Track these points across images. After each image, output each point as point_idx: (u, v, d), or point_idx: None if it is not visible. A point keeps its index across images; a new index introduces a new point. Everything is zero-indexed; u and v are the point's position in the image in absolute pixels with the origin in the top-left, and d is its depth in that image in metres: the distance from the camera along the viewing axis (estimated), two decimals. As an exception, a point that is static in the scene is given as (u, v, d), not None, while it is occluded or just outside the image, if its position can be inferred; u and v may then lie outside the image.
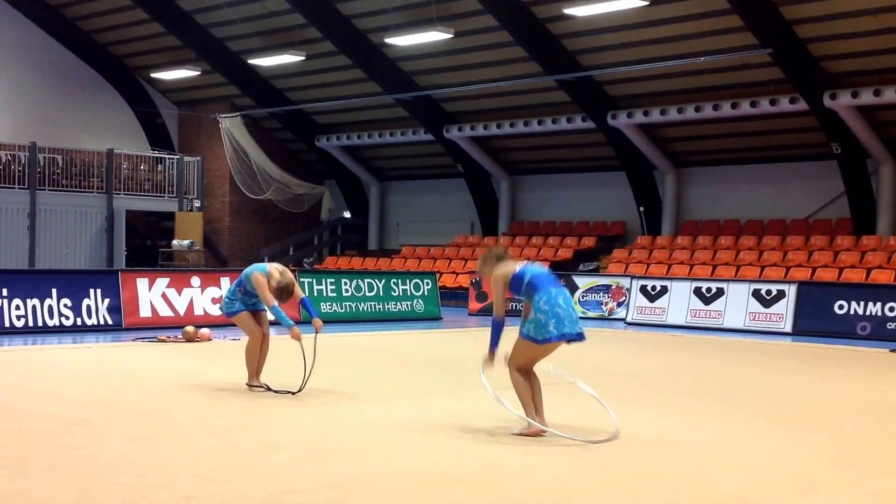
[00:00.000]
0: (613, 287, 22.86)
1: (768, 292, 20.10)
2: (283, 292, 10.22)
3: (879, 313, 18.67)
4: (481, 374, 8.16)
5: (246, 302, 10.53)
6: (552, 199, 30.91)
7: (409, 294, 21.94)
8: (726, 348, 16.80)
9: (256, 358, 10.52)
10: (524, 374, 8.11)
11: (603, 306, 22.83)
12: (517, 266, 8.17)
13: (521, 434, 7.96)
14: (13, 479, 6.18)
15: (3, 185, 28.24)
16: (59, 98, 32.82)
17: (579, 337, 8.11)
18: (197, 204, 31.82)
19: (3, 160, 28.63)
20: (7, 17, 31.77)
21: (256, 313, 10.62)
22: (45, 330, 16.51)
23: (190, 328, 15.87)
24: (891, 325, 18.52)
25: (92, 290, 17.22)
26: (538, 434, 7.92)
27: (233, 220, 34.11)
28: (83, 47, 33.30)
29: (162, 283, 18.20)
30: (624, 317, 22.03)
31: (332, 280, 20.89)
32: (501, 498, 6.02)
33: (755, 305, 20.15)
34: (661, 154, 27.79)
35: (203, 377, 11.31)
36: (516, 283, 8.07)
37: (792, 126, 25.18)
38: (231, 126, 32.82)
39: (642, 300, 21.61)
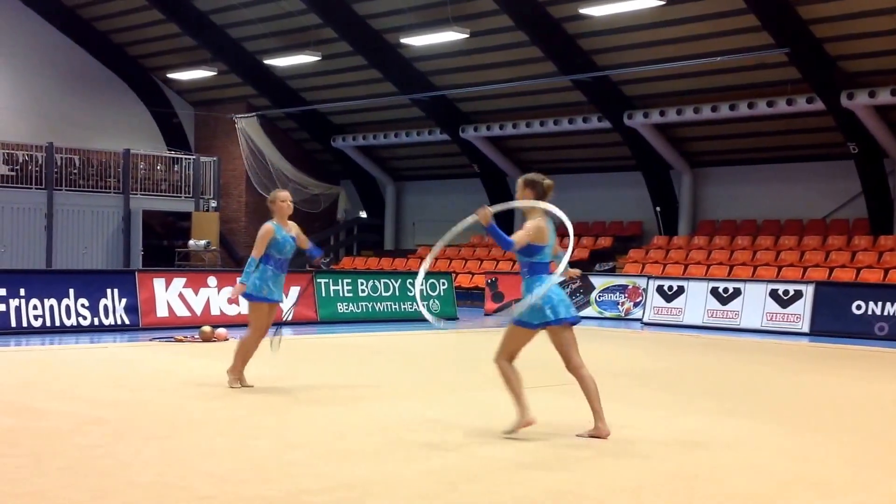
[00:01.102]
0: (630, 287, 22.82)
1: (785, 292, 20.03)
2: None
3: (897, 314, 18.60)
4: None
5: (273, 283, 10.37)
6: (568, 199, 30.65)
7: (424, 294, 21.94)
8: (743, 349, 16.75)
9: (250, 356, 10.53)
10: (511, 364, 8.03)
11: (619, 306, 22.79)
12: (547, 230, 7.93)
13: (513, 430, 7.86)
14: (30, 479, 6.20)
15: (20, 185, 28.36)
16: (76, 99, 32.95)
17: (576, 320, 8.03)
18: (213, 204, 31.89)
19: (21, 161, 28.76)
20: (23, 18, 31.92)
21: (272, 307, 10.52)
22: (63, 330, 16.57)
23: (206, 328, 15.91)
24: (909, 326, 18.46)
25: (109, 290, 17.28)
26: (530, 424, 7.87)
27: (249, 221, 34.15)
28: (99, 48, 33.43)
29: (179, 283, 18.24)
30: (640, 317, 21.98)
31: (349, 280, 20.91)
32: (516, 498, 6.01)
33: (772, 306, 20.08)
34: (677, 154, 27.73)
35: (219, 377, 11.31)
36: (528, 249, 7.94)
37: (809, 126, 25.09)
38: (247, 126, 32.90)
39: (659, 300, 21.56)
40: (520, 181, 8.18)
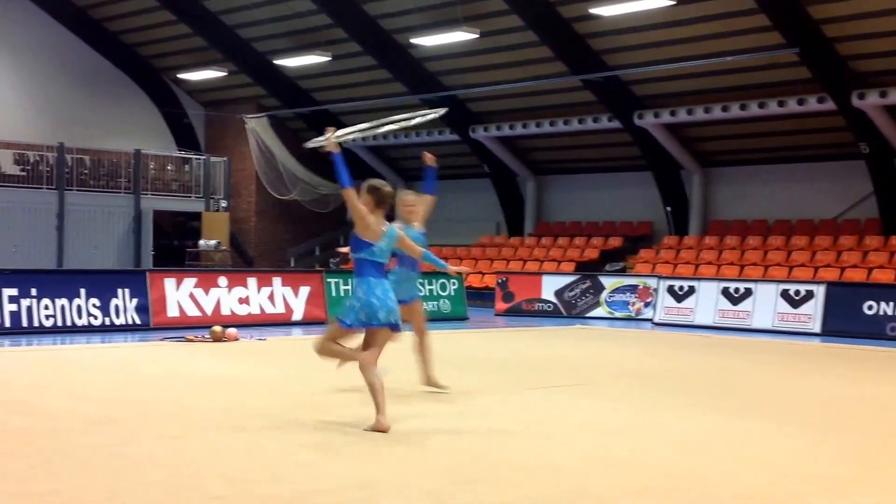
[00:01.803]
0: (640, 287, 22.79)
1: (797, 293, 19.99)
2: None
3: (909, 314, 18.54)
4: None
5: (403, 285, 10.12)
6: (578, 199, 30.85)
7: (435, 294, 21.93)
8: (754, 349, 16.72)
9: (430, 356, 10.31)
10: (375, 364, 8.24)
11: (630, 306, 22.76)
12: (379, 232, 8.19)
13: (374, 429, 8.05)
14: (43, 479, 6.21)
15: (31, 185, 28.44)
16: (87, 99, 33.01)
17: (393, 328, 8.25)
18: (223, 204, 31.93)
19: (32, 161, 28.83)
20: (34, 18, 31.99)
21: (409, 306, 10.12)
22: (74, 329, 16.61)
23: (217, 328, 15.93)
24: (920, 326, 18.41)
25: (120, 290, 17.32)
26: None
27: (259, 221, 34.20)
28: (110, 48, 33.49)
29: (189, 283, 18.28)
30: (651, 317, 21.95)
31: (359, 280, 20.88)
32: (525, 497, 6.01)
33: (783, 306, 20.04)
34: (687, 154, 27.68)
35: (230, 377, 11.35)
36: (356, 243, 8.21)
37: (820, 126, 25.03)
38: (257, 126, 32.93)
39: (669, 300, 21.53)
40: (364, 185, 8.37)
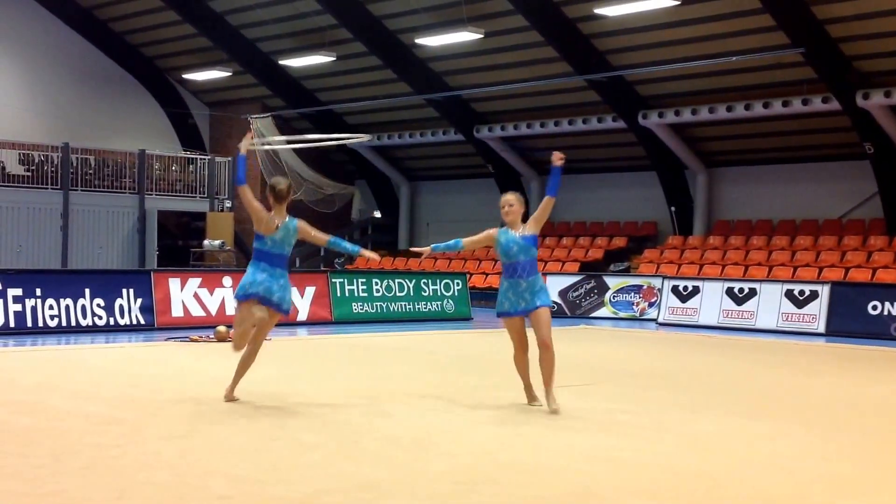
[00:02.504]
0: (645, 287, 22.78)
1: (801, 293, 19.97)
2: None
3: (914, 314, 18.52)
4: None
5: (513, 294, 9.22)
6: (582, 199, 30.83)
7: (439, 294, 21.95)
8: (759, 349, 16.71)
9: (524, 367, 9.48)
10: (252, 345, 9.15)
11: (634, 306, 22.75)
12: (272, 225, 8.98)
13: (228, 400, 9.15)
14: (49, 479, 6.22)
15: (36, 185, 28.47)
16: (92, 99, 33.07)
17: (270, 303, 9.01)
18: (228, 204, 31.95)
19: (37, 161, 28.86)
20: (39, 19, 32.05)
21: (522, 319, 9.30)
22: (79, 329, 16.62)
23: (222, 328, 15.93)
24: (925, 327, 18.38)
25: (124, 290, 17.32)
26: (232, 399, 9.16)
27: (264, 221, 34.18)
28: (115, 48, 33.55)
29: (194, 283, 18.28)
30: (655, 317, 21.95)
31: (363, 280, 20.93)
32: (533, 499, 6.01)
33: (788, 306, 20.02)
34: (692, 154, 27.68)
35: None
36: (255, 235, 9.10)
37: (824, 126, 25.02)
38: (262, 126, 32.93)
39: (674, 300, 21.52)
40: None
